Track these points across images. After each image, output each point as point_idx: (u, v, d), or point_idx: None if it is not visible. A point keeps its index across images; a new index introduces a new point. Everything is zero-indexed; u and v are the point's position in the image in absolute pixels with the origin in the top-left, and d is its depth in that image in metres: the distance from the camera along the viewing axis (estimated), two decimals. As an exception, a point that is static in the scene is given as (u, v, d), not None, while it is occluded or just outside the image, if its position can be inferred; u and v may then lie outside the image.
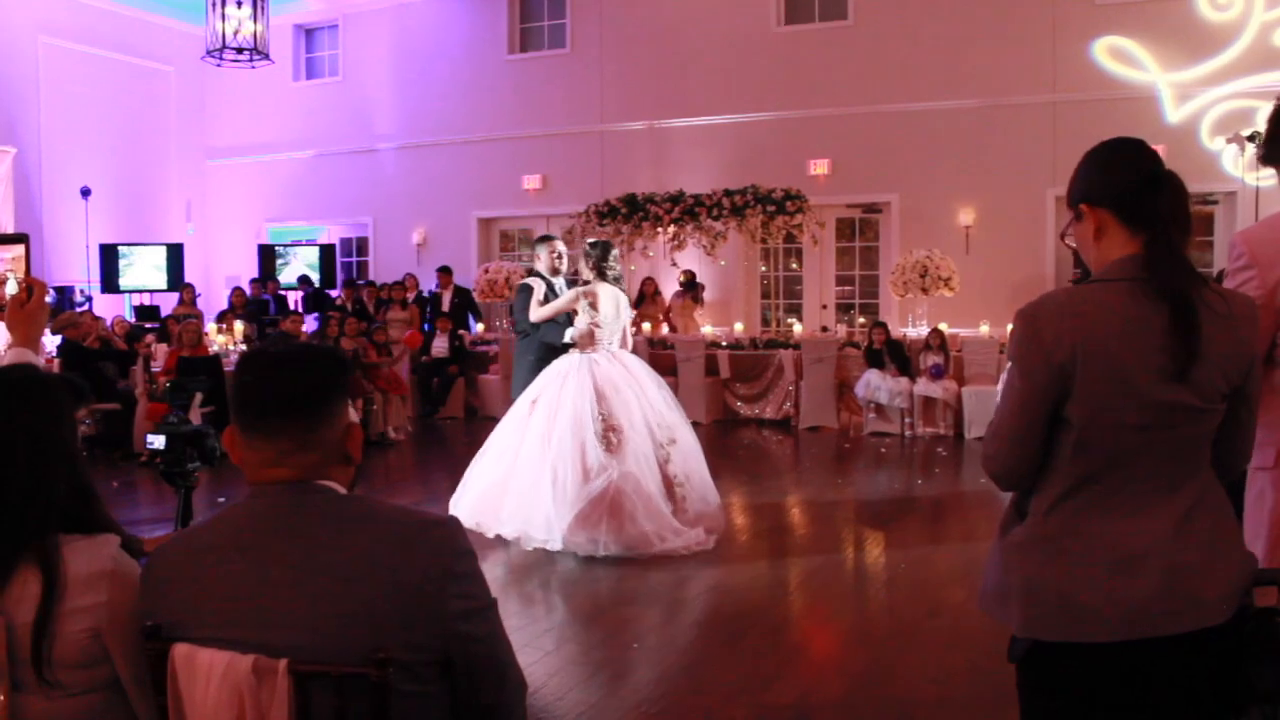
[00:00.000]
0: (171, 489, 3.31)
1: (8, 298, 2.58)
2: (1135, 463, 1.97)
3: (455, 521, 1.79)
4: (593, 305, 6.75)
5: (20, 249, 13.40)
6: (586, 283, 6.88)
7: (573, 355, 6.77)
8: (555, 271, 7.26)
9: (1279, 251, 2.30)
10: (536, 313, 6.99)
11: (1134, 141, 2.09)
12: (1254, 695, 2.02)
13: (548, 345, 7.02)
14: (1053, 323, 1.95)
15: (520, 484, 6.45)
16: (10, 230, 14.00)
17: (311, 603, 1.67)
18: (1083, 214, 2.07)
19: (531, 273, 7.32)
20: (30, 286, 2.63)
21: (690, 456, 6.68)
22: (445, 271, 14.65)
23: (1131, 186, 2.01)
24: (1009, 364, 2.06)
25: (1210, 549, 2.00)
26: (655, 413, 6.62)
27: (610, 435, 6.37)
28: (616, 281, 6.92)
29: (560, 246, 7.37)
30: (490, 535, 6.44)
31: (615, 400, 6.48)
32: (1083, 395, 1.93)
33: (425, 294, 15.10)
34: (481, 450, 6.79)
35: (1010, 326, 2.10)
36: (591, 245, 7.02)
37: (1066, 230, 2.14)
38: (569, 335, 6.86)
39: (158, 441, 3.14)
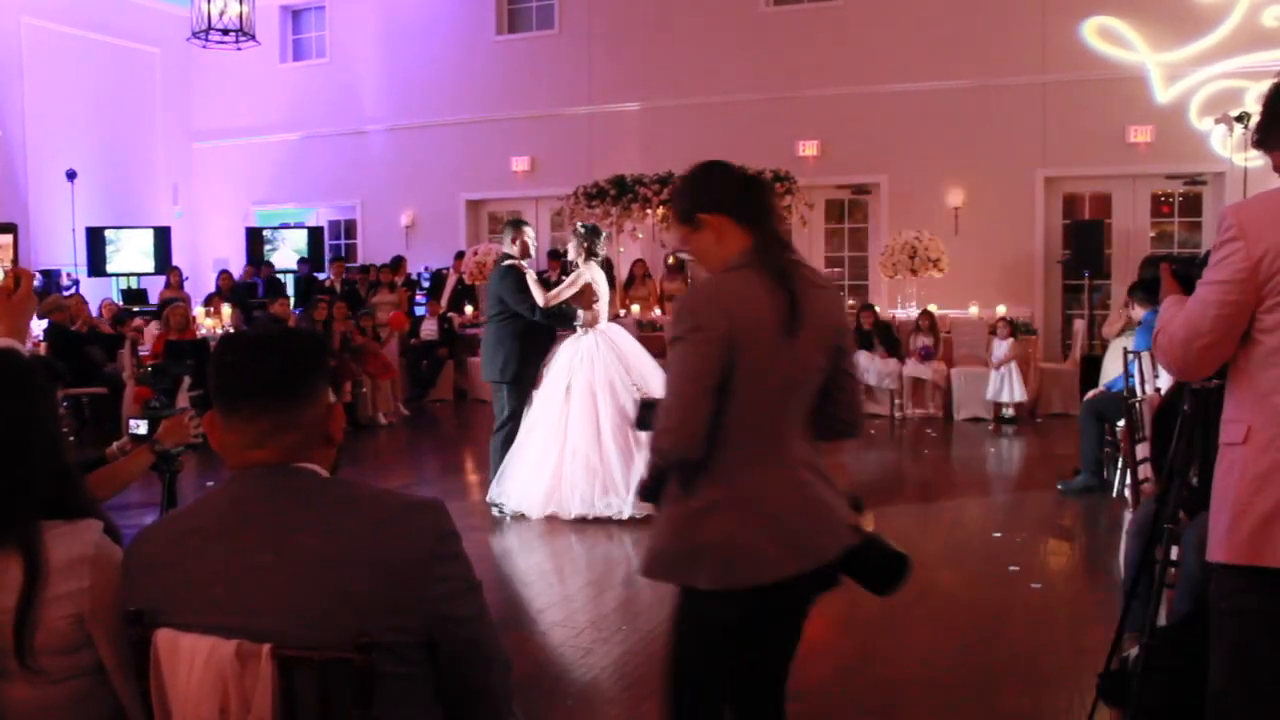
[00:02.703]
0: (156, 474, 3.29)
1: None
2: (785, 417, 2.38)
3: (439, 504, 1.78)
4: (593, 286, 7.08)
5: (8, 238, 13.37)
6: (575, 265, 7.16)
7: (583, 335, 7.05)
8: (526, 255, 7.32)
9: (1268, 226, 2.29)
10: (545, 298, 7.11)
11: (721, 161, 2.54)
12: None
13: (526, 326, 7.11)
14: (711, 304, 2.33)
15: (575, 465, 6.76)
16: (-5, 213, 13.93)
17: (294, 586, 1.67)
18: (702, 223, 2.44)
19: (505, 256, 7.32)
20: (18, 276, 2.62)
21: None
22: (460, 257, 14.59)
23: (739, 192, 2.45)
24: (673, 348, 2.35)
25: (830, 487, 2.46)
26: (644, 380, 6.99)
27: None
28: (601, 262, 7.26)
29: (530, 231, 7.48)
30: (570, 517, 6.73)
31: (633, 370, 6.98)
32: (741, 360, 2.29)
33: (420, 276, 15.08)
34: (521, 441, 6.98)
35: (672, 314, 2.48)
36: (585, 229, 7.26)
37: (677, 249, 2.50)
38: (582, 317, 7.07)
39: (140, 427, 3.12)
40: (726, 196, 2.44)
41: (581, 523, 6.64)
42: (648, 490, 2.53)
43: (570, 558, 6.19)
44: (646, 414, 2.53)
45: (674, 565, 2.39)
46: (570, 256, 7.35)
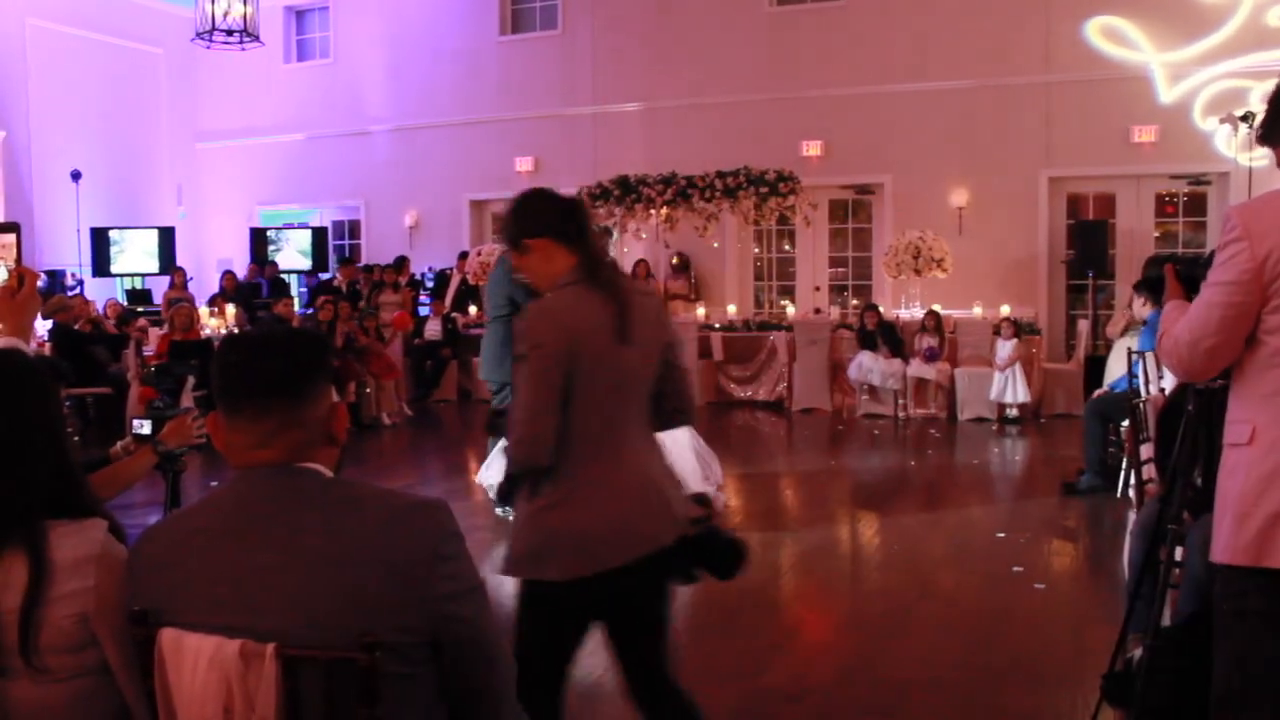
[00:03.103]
0: (160, 474, 3.29)
1: None
2: (621, 416, 2.58)
3: (443, 504, 1.78)
4: None
5: (12, 237, 13.39)
6: None
7: None
8: None
9: (1272, 226, 2.29)
10: None
11: (542, 189, 2.79)
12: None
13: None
14: (550, 321, 2.53)
15: None
16: (0, 214, 13.94)
17: (298, 586, 1.67)
18: (528, 248, 2.65)
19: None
20: (22, 276, 2.62)
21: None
22: (463, 257, 14.61)
23: (559, 216, 2.66)
24: (519, 366, 2.54)
25: (668, 479, 2.67)
26: None
27: None
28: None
29: None
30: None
31: None
32: (580, 369, 2.48)
33: (424, 276, 15.05)
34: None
35: (516, 335, 2.66)
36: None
37: (515, 272, 2.78)
38: None
39: (144, 427, 3.12)
40: (549, 221, 2.65)
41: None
42: (504, 493, 2.72)
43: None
44: (495, 421, 2.70)
45: (526, 561, 2.56)
46: None
